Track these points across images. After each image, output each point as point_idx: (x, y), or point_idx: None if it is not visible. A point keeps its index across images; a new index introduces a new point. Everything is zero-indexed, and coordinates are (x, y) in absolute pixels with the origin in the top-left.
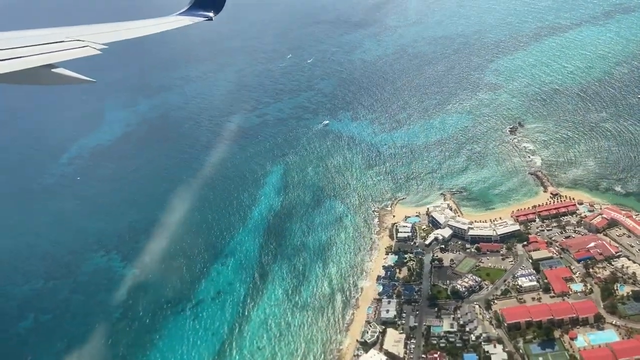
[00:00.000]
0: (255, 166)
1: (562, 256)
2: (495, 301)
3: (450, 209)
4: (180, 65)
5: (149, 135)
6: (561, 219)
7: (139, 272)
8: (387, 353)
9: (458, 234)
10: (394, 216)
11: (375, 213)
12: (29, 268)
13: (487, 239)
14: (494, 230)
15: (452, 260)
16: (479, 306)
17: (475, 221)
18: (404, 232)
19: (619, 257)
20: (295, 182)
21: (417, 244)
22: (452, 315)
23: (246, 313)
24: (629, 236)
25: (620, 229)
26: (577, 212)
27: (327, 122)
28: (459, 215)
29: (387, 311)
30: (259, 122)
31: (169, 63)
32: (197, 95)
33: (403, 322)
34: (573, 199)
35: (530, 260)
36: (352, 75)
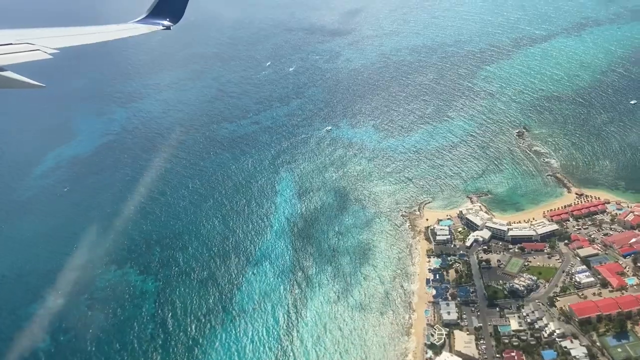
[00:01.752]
0: (266, 172)
1: (607, 252)
2: (558, 298)
3: (483, 211)
4: (148, 72)
5: (135, 144)
6: (594, 217)
7: (163, 285)
8: (460, 354)
9: (497, 235)
10: (427, 220)
11: (405, 217)
12: (34, 284)
13: (527, 239)
14: (534, 230)
15: (498, 260)
16: (542, 304)
17: (511, 222)
18: (442, 234)
19: None
20: (313, 187)
21: (457, 246)
22: (517, 314)
23: (299, 319)
24: None
25: None
26: (607, 210)
27: (330, 128)
28: (492, 217)
29: (449, 313)
30: (255, 129)
31: (135, 70)
32: (178, 103)
33: (466, 323)
34: (598, 198)
35: (579, 258)
36: (340, 83)
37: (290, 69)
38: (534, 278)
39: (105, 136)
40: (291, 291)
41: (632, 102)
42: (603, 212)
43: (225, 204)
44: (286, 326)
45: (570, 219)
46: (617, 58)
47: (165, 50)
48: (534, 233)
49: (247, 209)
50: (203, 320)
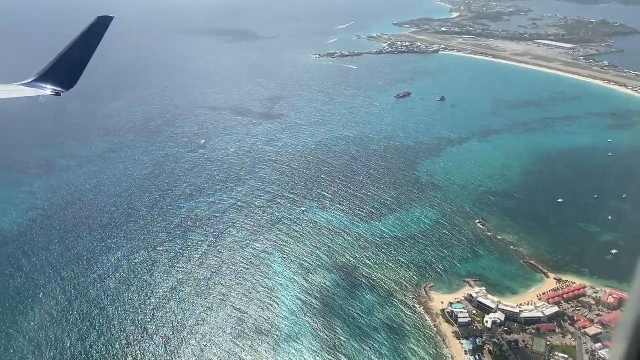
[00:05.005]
0: (249, 254)
1: (607, 331)
2: None
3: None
4: (60, 141)
5: (77, 220)
6: (581, 300)
7: None
8: None
9: (510, 317)
10: (442, 302)
11: (415, 300)
12: None
13: (537, 320)
14: (542, 312)
15: (523, 341)
16: None
17: (517, 305)
18: (464, 317)
19: None
20: (314, 269)
21: (479, 328)
22: None
23: None
24: None
25: None
26: (587, 294)
27: (304, 209)
28: (500, 301)
29: None
30: (219, 209)
31: (42, 138)
32: (111, 177)
33: None
34: (574, 283)
35: (588, 336)
36: (289, 165)
37: (232, 150)
38: (566, 356)
39: (28, 212)
40: None
41: (559, 200)
42: (584, 295)
43: (233, 287)
44: None
45: (562, 302)
46: (529, 162)
47: (72, 119)
48: (542, 315)
49: (255, 292)
50: None
